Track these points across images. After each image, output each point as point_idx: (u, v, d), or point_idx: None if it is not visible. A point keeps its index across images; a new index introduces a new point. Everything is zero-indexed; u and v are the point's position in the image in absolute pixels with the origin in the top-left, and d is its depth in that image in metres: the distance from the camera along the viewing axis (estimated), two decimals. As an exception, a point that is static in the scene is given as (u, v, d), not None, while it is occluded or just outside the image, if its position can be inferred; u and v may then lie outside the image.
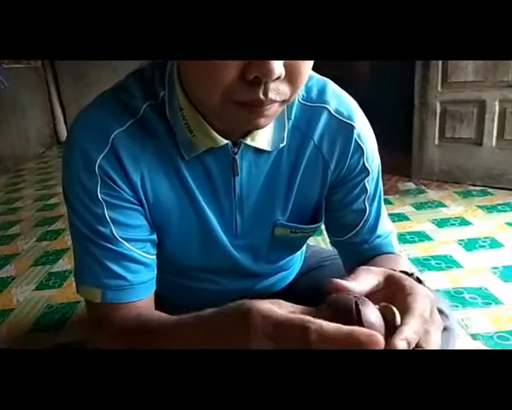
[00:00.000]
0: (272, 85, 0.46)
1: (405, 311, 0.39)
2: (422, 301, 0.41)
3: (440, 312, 0.68)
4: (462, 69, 2.27)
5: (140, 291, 0.61)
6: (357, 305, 0.37)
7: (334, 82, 0.67)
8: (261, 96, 0.46)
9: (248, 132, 0.58)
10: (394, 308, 0.39)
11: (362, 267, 0.45)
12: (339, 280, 0.41)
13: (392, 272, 0.45)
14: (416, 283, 0.43)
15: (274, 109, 0.50)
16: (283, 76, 0.46)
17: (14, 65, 3.87)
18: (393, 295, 0.42)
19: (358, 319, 0.36)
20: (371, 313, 0.37)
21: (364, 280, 0.42)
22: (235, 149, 0.59)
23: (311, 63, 0.49)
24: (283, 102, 0.50)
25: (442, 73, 2.33)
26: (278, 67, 0.44)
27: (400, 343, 0.36)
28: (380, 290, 0.43)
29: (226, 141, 0.57)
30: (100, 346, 0.62)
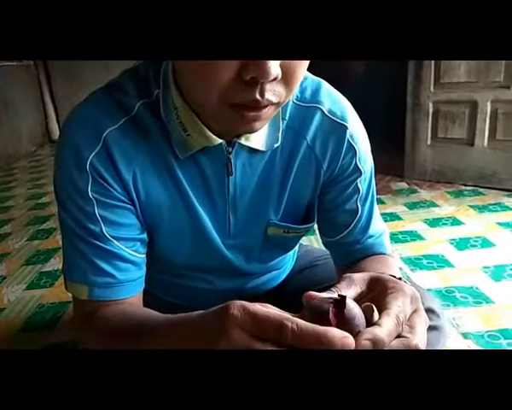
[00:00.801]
0: (268, 86, 0.46)
1: (383, 310, 0.40)
2: (402, 300, 0.40)
3: (432, 311, 0.69)
4: (454, 70, 2.28)
5: (128, 289, 0.61)
6: (336, 306, 0.37)
7: (329, 83, 0.67)
8: (257, 97, 0.46)
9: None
10: (374, 306, 0.39)
11: (345, 276, 0.45)
12: (313, 292, 0.40)
13: (376, 274, 0.45)
14: (399, 282, 0.43)
15: (269, 113, 0.50)
16: (279, 77, 0.46)
17: (5, 63, 3.84)
18: (378, 297, 0.42)
19: (339, 320, 0.37)
20: (351, 312, 0.37)
21: (346, 291, 0.42)
22: (230, 149, 0.59)
23: (306, 65, 0.49)
24: (278, 104, 0.50)
25: (435, 74, 2.34)
26: (275, 67, 0.44)
27: (364, 343, 0.36)
28: (365, 296, 0.43)
29: (220, 140, 0.57)
30: (86, 342, 0.62)
